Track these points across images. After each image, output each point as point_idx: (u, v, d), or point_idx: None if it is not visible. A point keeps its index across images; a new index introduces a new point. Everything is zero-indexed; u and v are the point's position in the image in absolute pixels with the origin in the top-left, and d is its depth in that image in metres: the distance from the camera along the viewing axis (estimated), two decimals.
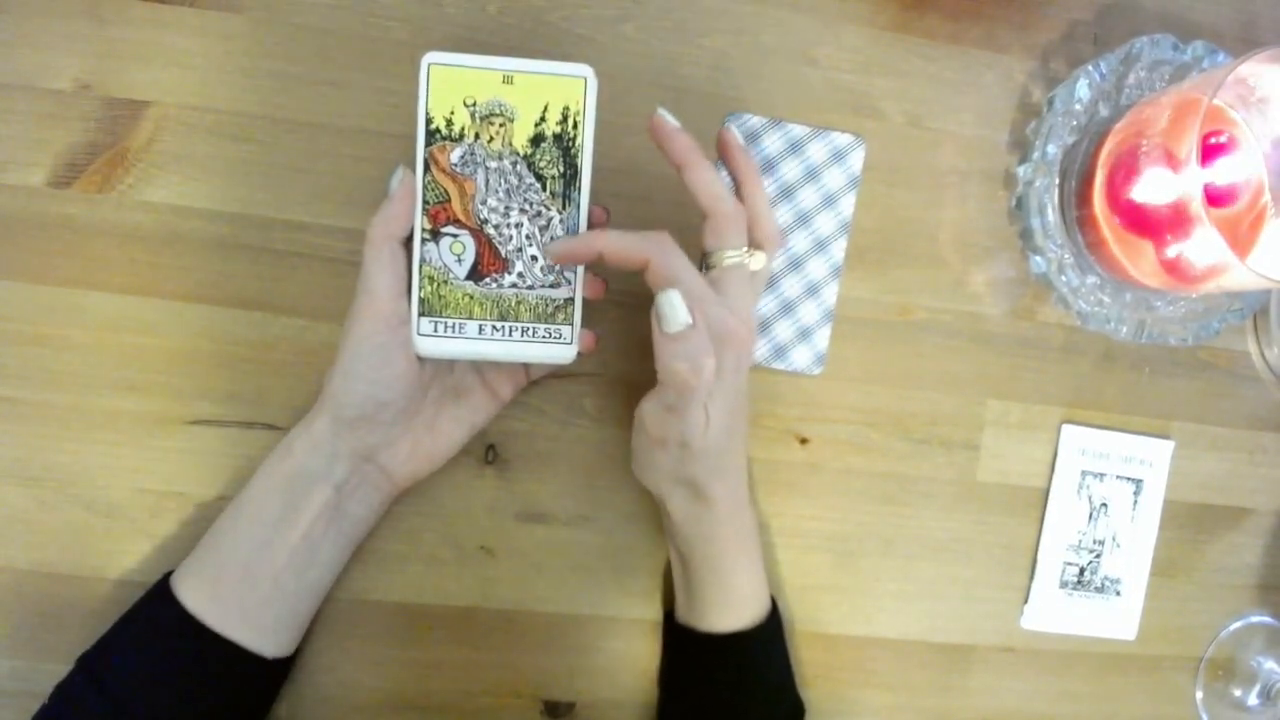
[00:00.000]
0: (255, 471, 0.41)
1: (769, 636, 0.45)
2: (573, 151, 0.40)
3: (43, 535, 0.44)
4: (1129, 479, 0.53)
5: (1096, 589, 0.53)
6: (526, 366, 0.45)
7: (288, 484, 0.40)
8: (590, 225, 0.41)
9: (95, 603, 0.44)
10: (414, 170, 0.39)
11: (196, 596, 0.39)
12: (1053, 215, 0.48)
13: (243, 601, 0.40)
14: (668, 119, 0.39)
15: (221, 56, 0.45)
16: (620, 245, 0.38)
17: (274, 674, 0.42)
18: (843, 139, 0.49)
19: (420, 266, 0.39)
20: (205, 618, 0.39)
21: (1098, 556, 0.53)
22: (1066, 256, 0.48)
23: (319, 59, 0.46)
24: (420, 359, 0.40)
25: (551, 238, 0.40)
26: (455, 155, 0.39)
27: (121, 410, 0.45)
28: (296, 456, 0.40)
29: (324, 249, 0.46)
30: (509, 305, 0.40)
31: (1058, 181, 0.48)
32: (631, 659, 0.48)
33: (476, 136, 0.39)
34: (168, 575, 0.41)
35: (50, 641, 0.44)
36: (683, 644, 0.45)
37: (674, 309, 0.36)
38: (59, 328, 0.44)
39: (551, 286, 0.40)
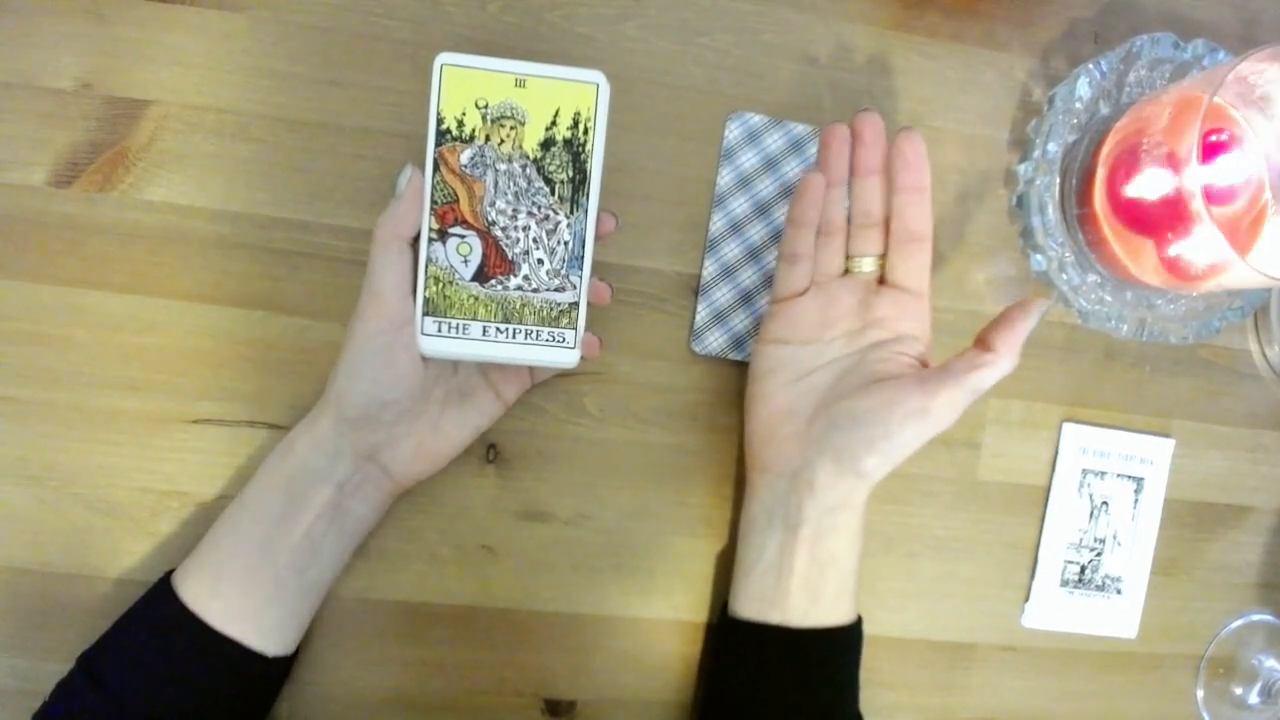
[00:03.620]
0: (257, 470, 0.41)
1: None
2: (583, 157, 0.40)
3: (44, 534, 0.44)
4: (1130, 477, 0.53)
5: (1097, 587, 0.53)
6: (530, 368, 0.45)
7: (290, 482, 0.40)
8: (599, 231, 0.41)
9: (96, 601, 0.44)
10: (422, 169, 0.39)
11: (198, 595, 0.39)
12: (1053, 213, 0.48)
13: (244, 600, 0.40)
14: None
15: (223, 55, 0.45)
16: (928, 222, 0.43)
17: (275, 672, 0.42)
18: None
19: (426, 266, 0.39)
20: (206, 616, 0.39)
21: (1098, 555, 0.53)
22: (1067, 255, 0.48)
23: (320, 58, 0.46)
24: (424, 359, 0.40)
25: (559, 242, 0.40)
26: (465, 156, 0.39)
27: (123, 409, 0.45)
28: (299, 455, 0.40)
29: (325, 248, 0.46)
30: (514, 308, 0.40)
31: (1058, 180, 0.48)
32: (632, 658, 0.48)
33: (487, 139, 0.39)
34: (169, 574, 0.41)
35: (51, 640, 0.44)
36: (791, 643, 0.43)
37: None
38: (60, 327, 0.44)
39: (556, 290, 0.40)
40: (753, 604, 0.44)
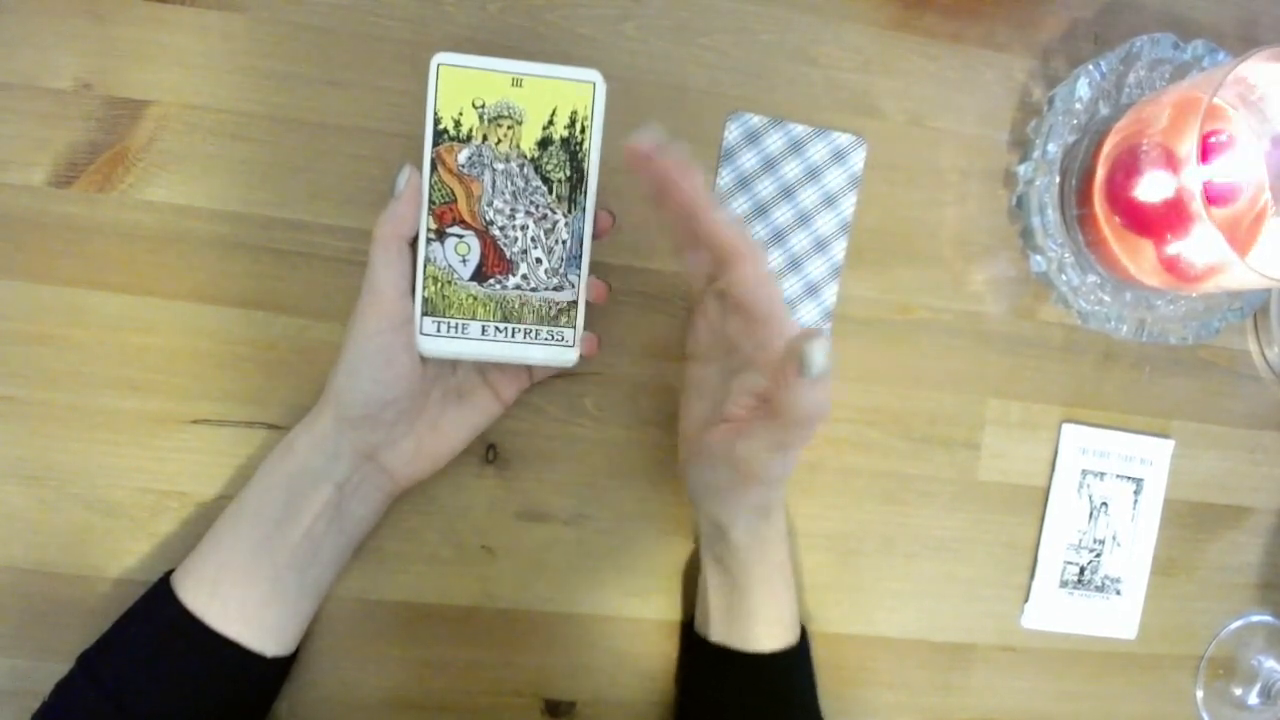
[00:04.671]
0: (257, 470, 0.41)
1: (807, 654, 0.45)
2: (580, 156, 0.40)
3: (43, 534, 0.44)
4: (1129, 478, 0.53)
5: (1097, 588, 0.53)
6: (529, 368, 0.45)
7: (289, 483, 0.40)
8: (596, 231, 0.41)
9: (96, 602, 0.44)
10: (421, 170, 0.39)
11: (197, 595, 0.39)
12: (1053, 214, 0.48)
13: (243, 600, 0.40)
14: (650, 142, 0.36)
15: (222, 55, 0.45)
16: (729, 233, 0.35)
17: (275, 673, 0.42)
18: (844, 139, 0.49)
19: (425, 266, 0.40)
20: (206, 616, 0.39)
21: (1098, 555, 0.53)
22: (1067, 255, 0.48)
23: (320, 58, 0.46)
24: (423, 359, 0.40)
25: (557, 241, 0.40)
26: (463, 156, 0.39)
27: (122, 410, 0.45)
28: (298, 455, 0.40)
29: (325, 248, 0.46)
30: (512, 307, 0.40)
31: (1058, 180, 0.48)
32: (632, 658, 0.48)
33: (484, 138, 0.39)
34: (168, 574, 0.41)
35: (51, 640, 0.44)
36: (720, 664, 0.44)
37: (823, 355, 0.32)
38: (60, 327, 0.44)
39: (555, 289, 0.40)
40: (698, 614, 0.46)
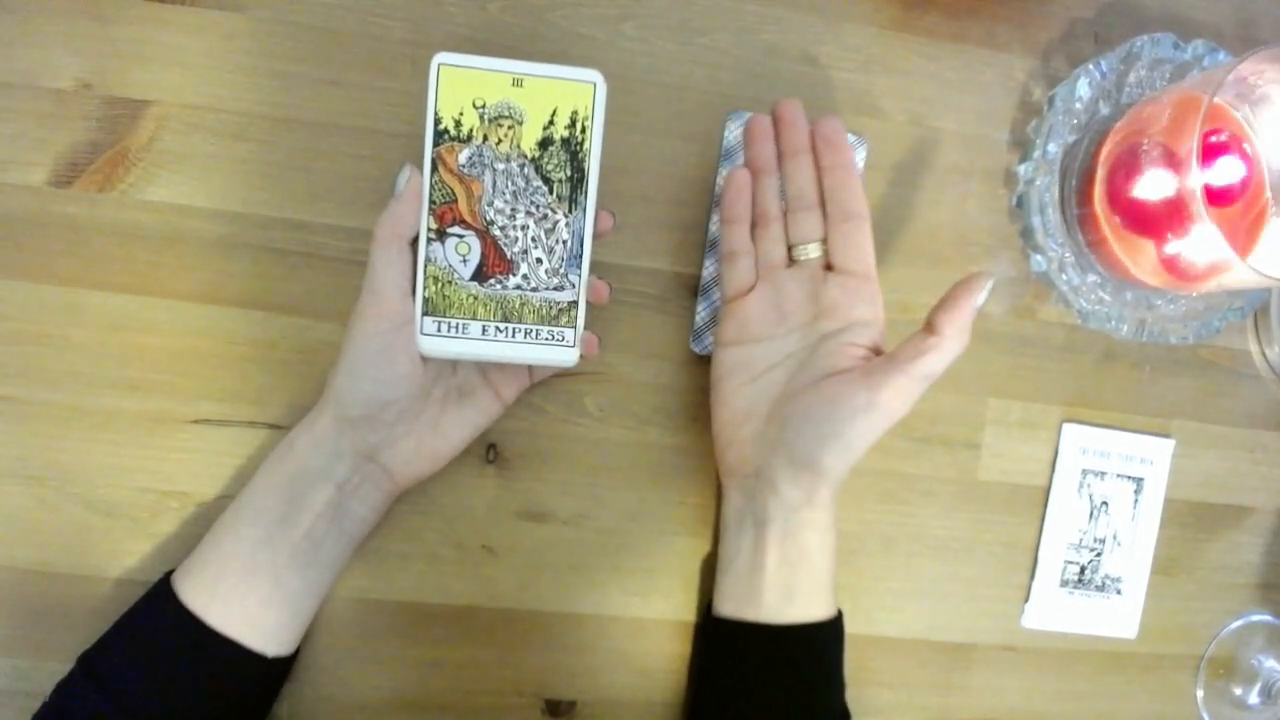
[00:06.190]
0: (257, 470, 0.41)
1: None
2: (580, 156, 0.40)
3: (43, 534, 0.44)
4: (1130, 477, 0.53)
5: (1097, 588, 0.53)
6: (529, 368, 0.45)
7: (290, 483, 0.40)
8: (597, 231, 0.41)
9: (96, 602, 0.44)
10: (421, 170, 0.39)
11: (197, 595, 0.39)
12: (1053, 214, 0.48)
13: (244, 600, 0.40)
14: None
15: (222, 55, 0.45)
16: (861, 195, 0.43)
17: (275, 673, 0.42)
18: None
19: (425, 266, 0.40)
20: (206, 616, 0.39)
21: (1098, 555, 0.53)
22: (1067, 255, 0.48)
23: (320, 58, 0.46)
24: (424, 359, 0.40)
25: (557, 241, 0.40)
26: (463, 156, 0.39)
27: (123, 409, 0.45)
28: (299, 455, 0.41)
29: (325, 248, 0.46)
30: (513, 307, 0.40)
31: (1058, 180, 0.48)
32: (632, 658, 0.48)
33: (485, 138, 0.39)
34: (169, 574, 0.41)
35: (51, 640, 0.44)
36: (771, 641, 0.43)
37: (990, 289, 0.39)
38: (60, 327, 0.44)
39: (555, 289, 0.40)
40: (730, 602, 0.44)
